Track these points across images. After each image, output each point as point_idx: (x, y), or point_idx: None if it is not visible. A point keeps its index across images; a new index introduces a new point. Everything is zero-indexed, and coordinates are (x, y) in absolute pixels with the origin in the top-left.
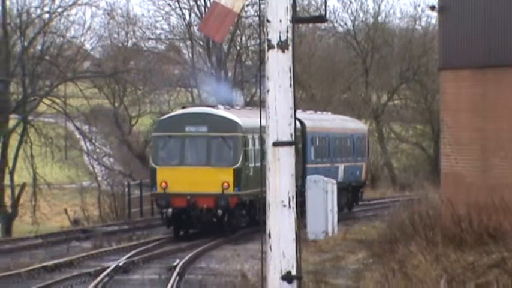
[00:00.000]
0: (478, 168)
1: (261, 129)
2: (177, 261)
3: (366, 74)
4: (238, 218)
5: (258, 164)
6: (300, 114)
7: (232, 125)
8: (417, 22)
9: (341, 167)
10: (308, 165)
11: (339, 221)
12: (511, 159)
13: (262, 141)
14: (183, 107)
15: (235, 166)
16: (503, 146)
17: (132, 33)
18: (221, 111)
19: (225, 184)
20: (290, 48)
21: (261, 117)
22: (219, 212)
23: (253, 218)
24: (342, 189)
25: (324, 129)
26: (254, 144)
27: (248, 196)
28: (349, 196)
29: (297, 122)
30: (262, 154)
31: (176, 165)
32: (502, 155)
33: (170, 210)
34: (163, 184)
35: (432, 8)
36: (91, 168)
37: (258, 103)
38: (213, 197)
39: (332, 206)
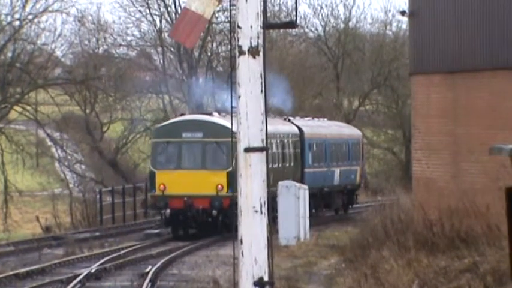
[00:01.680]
0: (449, 173)
1: (232, 136)
2: (149, 267)
3: (337, 79)
4: (232, 218)
5: None
6: (298, 121)
7: (226, 131)
8: (388, 27)
9: (337, 171)
10: (306, 170)
11: (314, 225)
12: (482, 163)
13: (233, 148)
14: (181, 114)
15: (229, 169)
16: (474, 151)
17: (103, 40)
18: (216, 118)
19: (219, 186)
20: (261, 54)
21: (232, 123)
22: (214, 212)
23: None
24: (338, 191)
25: (321, 135)
26: None
27: None
28: (345, 198)
29: (296, 128)
30: (234, 160)
31: (174, 168)
32: (473, 160)
33: (168, 211)
34: (162, 186)
35: (402, 13)
36: (62, 175)
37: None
38: (208, 199)
39: (304, 212)
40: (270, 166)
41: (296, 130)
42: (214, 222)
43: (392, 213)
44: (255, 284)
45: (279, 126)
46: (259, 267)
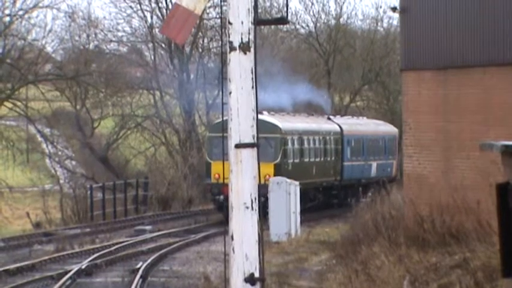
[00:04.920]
0: (440, 169)
1: (223, 132)
2: (140, 263)
3: (328, 76)
4: None
5: (297, 160)
6: (338, 119)
7: (273, 127)
8: (379, 24)
9: (374, 164)
10: (345, 163)
11: (305, 221)
12: (473, 160)
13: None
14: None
15: (275, 162)
16: (465, 147)
17: (93, 35)
18: (265, 117)
19: (267, 176)
20: (252, 50)
21: (223, 119)
22: (262, 199)
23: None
24: (375, 183)
25: (359, 132)
26: (293, 144)
27: None
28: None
29: (337, 126)
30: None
31: (227, 160)
32: (463, 156)
33: (222, 197)
34: (216, 175)
35: (393, 9)
36: (53, 171)
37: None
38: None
39: (295, 208)
40: (313, 160)
41: (337, 128)
42: (263, 208)
43: (383, 209)
44: (245, 280)
45: (322, 125)
46: (250, 263)
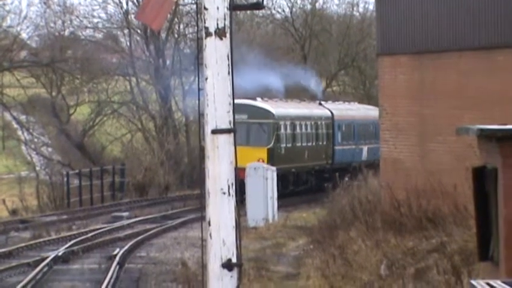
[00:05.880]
0: (416, 154)
1: (200, 118)
2: (117, 250)
3: (304, 61)
4: None
5: (289, 145)
6: (329, 105)
7: (266, 113)
8: (355, 8)
9: (365, 148)
10: (336, 147)
11: (282, 206)
12: (449, 144)
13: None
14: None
15: (269, 146)
16: (441, 132)
17: (69, 22)
18: (258, 103)
19: (261, 160)
20: (228, 35)
21: (199, 105)
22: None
23: (285, 188)
24: (367, 166)
25: (350, 117)
26: (286, 129)
27: (280, 170)
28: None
29: (328, 111)
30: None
31: None
32: (440, 140)
33: None
34: None
35: None
36: (29, 158)
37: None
38: None
39: (272, 193)
40: (305, 144)
41: (328, 113)
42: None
43: (360, 194)
44: (223, 265)
45: (313, 110)
46: (227, 248)
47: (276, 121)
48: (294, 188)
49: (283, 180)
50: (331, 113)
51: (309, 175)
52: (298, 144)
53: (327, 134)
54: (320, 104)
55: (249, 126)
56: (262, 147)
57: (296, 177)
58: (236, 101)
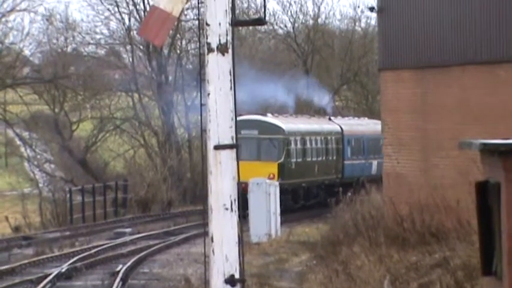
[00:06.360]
0: (419, 168)
1: (202, 133)
2: (120, 266)
3: (307, 76)
4: (282, 202)
5: (300, 160)
6: (338, 120)
7: (277, 129)
8: (357, 23)
9: (374, 162)
10: (346, 162)
11: (285, 222)
12: (452, 158)
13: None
14: (240, 115)
15: (279, 161)
16: (444, 146)
17: (71, 38)
18: (269, 118)
19: (271, 175)
20: (230, 51)
21: (202, 121)
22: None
23: (296, 202)
24: (377, 180)
25: (359, 132)
26: (296, 144)
27: (290, 185)
28: None
29: (337, 126)
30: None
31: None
32: (443, 155)
33: None
34: None
35: (371, 9)
36: (32, 174)
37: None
38: None
39: (275, 208)
40: (315, 159)
41: (338, 128)
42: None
43: (363, 209)
44: (226, 281)
45: (323, 125)
46: (230, 264)
47: (286, 136)
48: (305, 202)
49: (293, 194)
50: (341, 128)
51: (319, 189)
52: (309, 159)
53: (336, 149)
54: (330, 119)
55: (259, 141)
56: (272, 162)
57: (306, 192)
58: (247, 116)
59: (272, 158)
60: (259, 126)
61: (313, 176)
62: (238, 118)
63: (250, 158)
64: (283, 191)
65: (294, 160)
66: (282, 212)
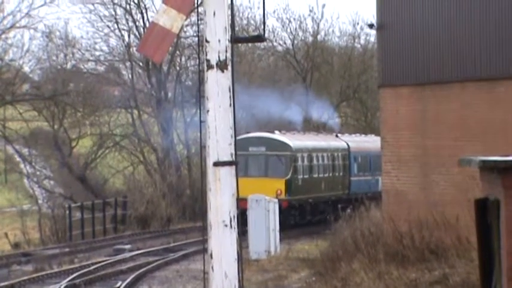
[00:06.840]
0: (418, 185)
1: (201, 150)
2: (119, 283)
3: (306, 93)
4: (289, 217)
5: (306, 176)
6: (345, 137)
7: (284, 146)
8: (356, 40)
9: (380, 179)
10: (352, 178)
11: (284, 239)
12: (451, 175)
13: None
14: (247, 132)
15: (287, 177)
16: (444, 163)
17: (71, 55)
18: (276, 136)
19: (279, 191)
20: (229, 68)
21: (201, 138)
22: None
23: (303, 218)
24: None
25: (366, 149)
26: (303, 161)
27: (297, 200)
28: None
29: (343, 143)
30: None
31: (242, 176)
32: (442, 172)
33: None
34: None
35: (370, 26)
36: (31, 191)
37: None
38: None
39: (274, 225)
40: (322, 175)
41: (344, 145)
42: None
43: (362, 225)
44: None
45: (330, 142)
46: (229, 281)
47: (293, 153)
48: (312, 218)
49: (300, 210)
50: (348, 145)
51: (326, 205)
52: (315, 175)
53: (343, 165)
54: (337, 136)
55: (267, 158)
56: (280, 179)
57: (313, 208)
58: (255, 133)
59: (279, 175)
60: (267, 143)
61: (320, 192)
62: (246, 135)
63: (258, 175)
64: (290, 207)
65: (301, 176)
66: (286, 228)
